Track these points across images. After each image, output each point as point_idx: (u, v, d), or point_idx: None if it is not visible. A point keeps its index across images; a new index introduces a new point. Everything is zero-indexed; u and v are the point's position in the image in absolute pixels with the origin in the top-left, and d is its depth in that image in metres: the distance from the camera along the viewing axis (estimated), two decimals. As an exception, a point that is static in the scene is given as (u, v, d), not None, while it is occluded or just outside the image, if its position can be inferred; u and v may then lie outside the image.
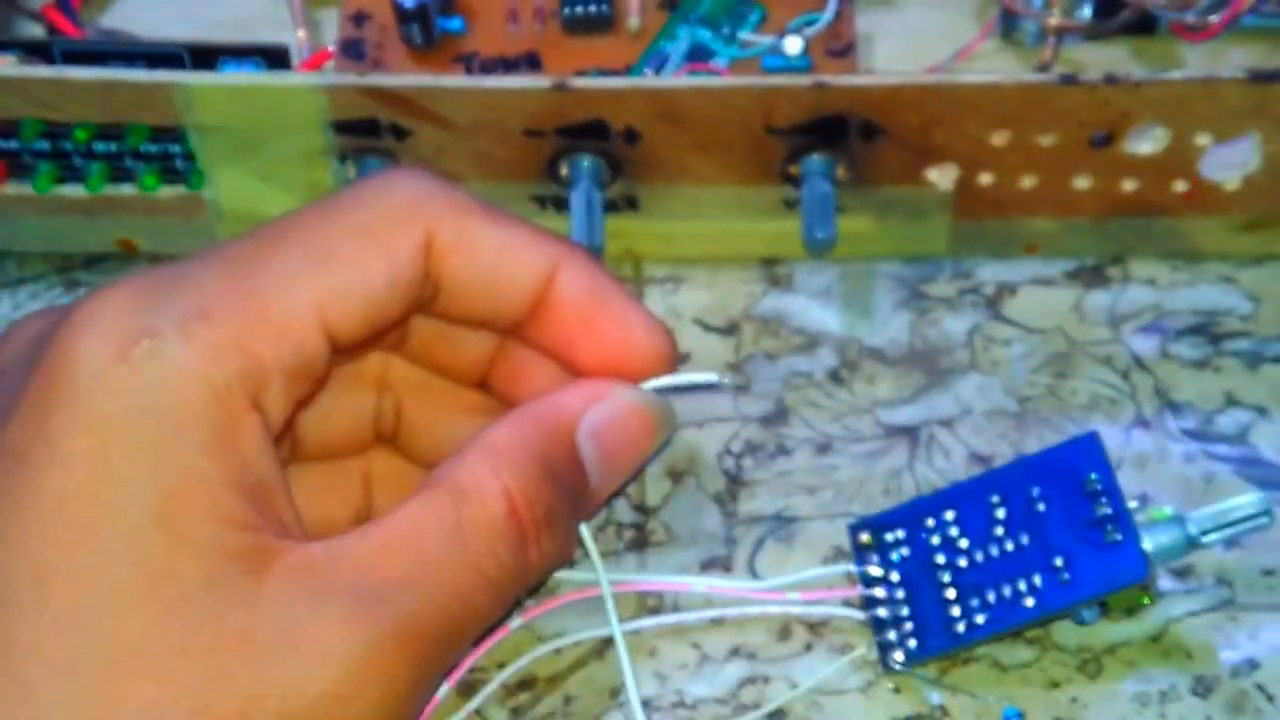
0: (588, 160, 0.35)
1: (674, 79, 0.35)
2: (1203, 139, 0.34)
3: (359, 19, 0.39)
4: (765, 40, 0.38)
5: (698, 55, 0.38)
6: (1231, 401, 0.35)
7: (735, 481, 0.34)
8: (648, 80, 0.34)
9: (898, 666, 0.31)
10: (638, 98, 0.34)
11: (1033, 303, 0.36)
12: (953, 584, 0.31)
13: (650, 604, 0.32)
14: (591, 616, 0.32)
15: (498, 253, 0.28)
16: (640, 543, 0.33)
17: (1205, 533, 0.30)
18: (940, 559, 0.31)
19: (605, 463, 0.29)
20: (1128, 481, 0.31)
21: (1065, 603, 0.30)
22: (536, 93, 0.34)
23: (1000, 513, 0.31)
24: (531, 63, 0.38)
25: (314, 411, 0.29)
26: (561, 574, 0.32)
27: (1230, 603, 0.32)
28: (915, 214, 0.36)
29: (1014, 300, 0.37)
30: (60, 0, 0.39)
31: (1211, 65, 0.35)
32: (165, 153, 0.35)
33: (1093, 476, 0.31)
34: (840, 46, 0.38)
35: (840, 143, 0.34)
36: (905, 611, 0.31)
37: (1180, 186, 0.35)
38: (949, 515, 0.31)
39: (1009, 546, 0.31)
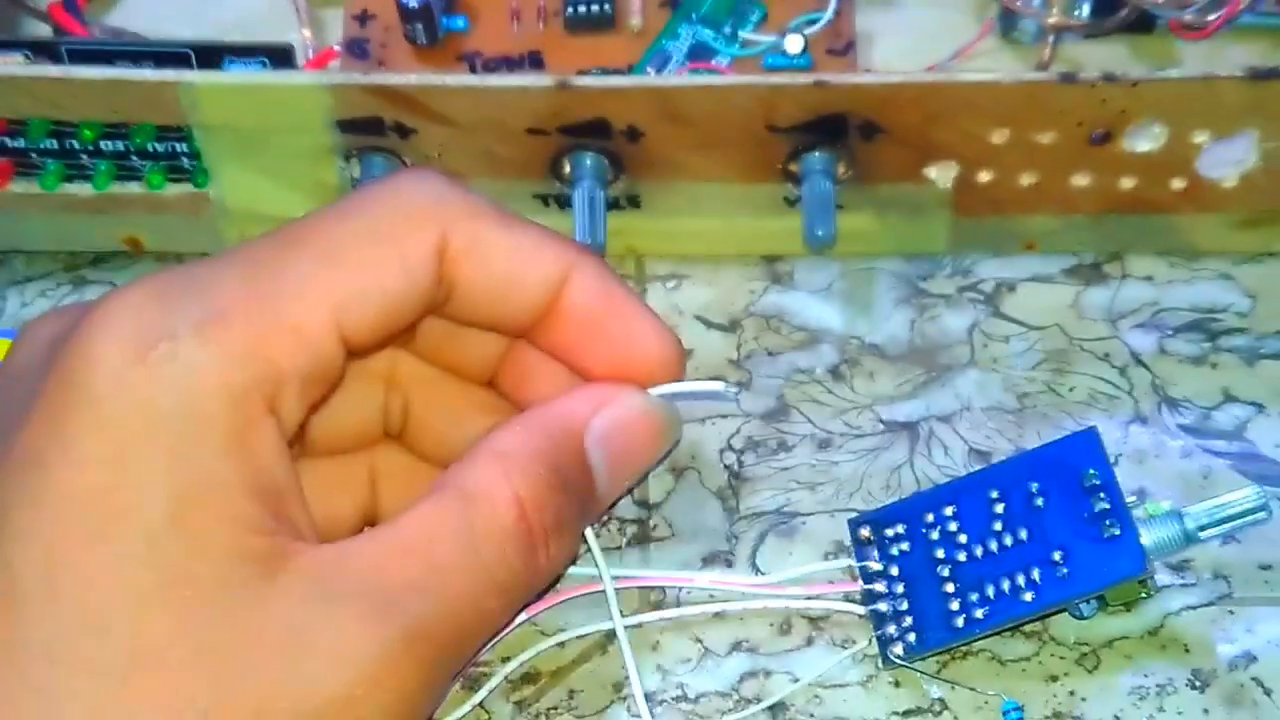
0: (590, 158, 0.35)
1: (676, 77, 0.35)
2: (1200, 137, 0.34)
3: (363, 18, 0.39)
4: (766, 39, 0.38)
5: (699, 54, 0.39)
6: (1229, 397, 0.35)
7: (737, 477, 0.34)
8: (650, 79, 0.34)
9: (897, 660, 0.31)
10: (640, 96, 0.34)
11: (1031, 300, 0.37)
12: (952, 578, 0.31)
13: (653, 599, 0.33)
14: (595, 611, 0.32)
15: (511, 257, 0.28)
16: (643, 538, 0.33)
17: (1203, 528, 0.30)
18: (940, 553, 0.31)
19: (612, 467, 0.29)
20: (1126, 477, 0.32)
21: (1064, 597, 0.30)
22: (539, 91, 0.34)
23: (999, 508, 0.31)
24: (534, 62, 0.38)
25: (322, 408, 0.29)
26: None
27: (1227, 597, 0.32)
28: (915, 211, 0.36)
29: (1013, 297, 0.37)
30: (66, 0, 0.39)
31: (1209, 63, 0.35)
32: (171, 151, 0.36)
33: (1091, 471, 0.31)
34: (840, 45, 0.38)
35: (841, 141, 0.35)
36: (905, 606, 0.31)
37: (1178, 184, 0.36)
38: (948, 510, 0.32)
39: (1008, 541, 0.31)
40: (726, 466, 0.34)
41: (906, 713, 0.31)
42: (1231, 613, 0.32)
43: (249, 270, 0.26)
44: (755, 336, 0.36)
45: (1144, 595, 0.31)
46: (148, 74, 0.34)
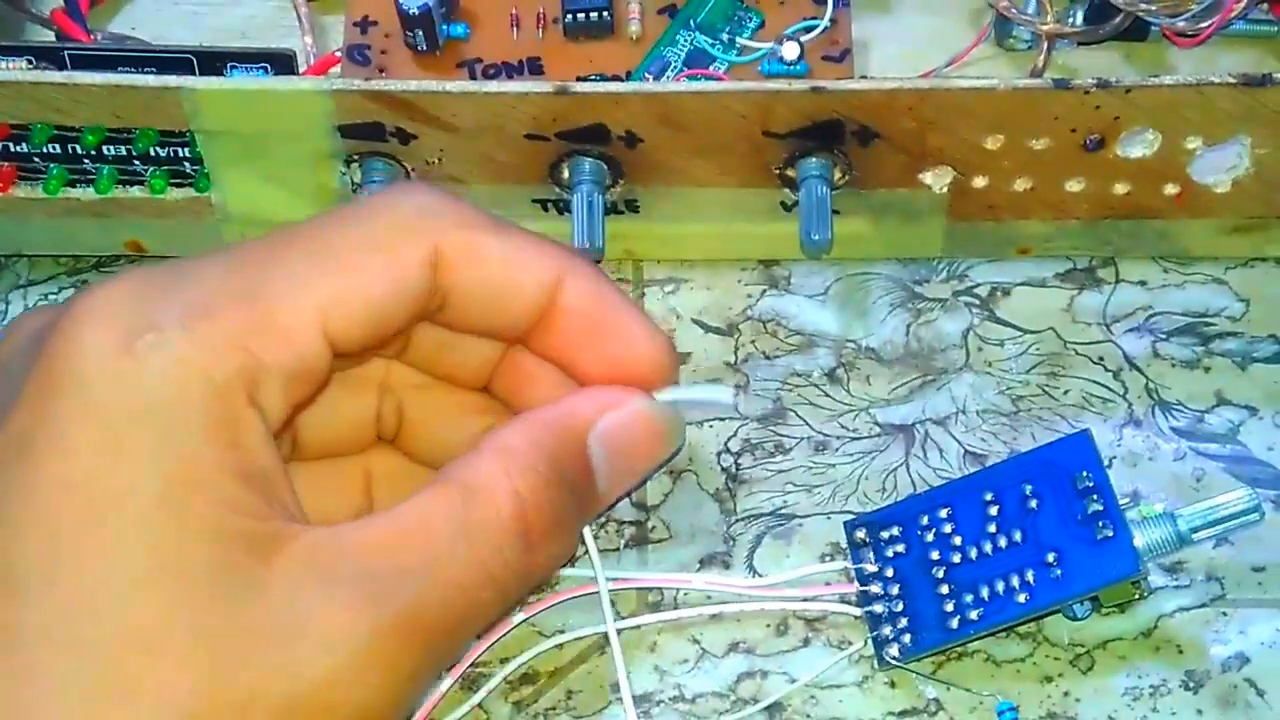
0: (589, 163, 0.35)
1: (673, 84, 0.35)
2: (1193, 143, 0.35)
3: (364, 25, 0.39)
4: (763, 46, 0.39)
5: (697, 61, 0.39)
6: (1222, 401, 0.35)
7: (734, 479, 0.34)
8: (648, 85, 0.35)
9: (893, 661, 0.31)
10: (638, 102, 0.34)
11: (1026, 303, 0.37)
12: (947, 580, 0.31)
13: (651, 600, 0.33)
14: (592, 612, 0.32)
15: (504, 265, 0.28)
16: (640, 540, 0.34)
17: (1195, 529, 0.30)
18: (935, 555, 0.31)
19: (614, 469, 0.30)
20: (1119, 480, 0.32)
21: (1058, 598, 0.30)
22: (538, 97, 0.34)
23: (994, 510, 0.31)
24: (534, 68, 0.39)
25: (315, 411, 0.29)
26: (564, 570, 0.32)
27: (1221, 598, 0.32)
28: (911, 216, 0.37)
29: (1007, 301, 0.37)
30: (69, 6, 0.39)
31: (1202, 70, 0.35)
32: (173, 156, 0.36)
33: (1084, 474, 0.31)
34: (837, 52, 0.39)
35: (837, 146, 0.35)
36: (900, 607, 0.31)
37: (1171, 189, 0.36)
38: (943, 513, 0.32)
39: (1002, 543, 0.31)
40: (724, 469, 0.35)
41: (902, 713, 0.31)
42: (1225, 614, 0.32)
43: (237, 267, 0.26)
44: (752, 340, 0.37)
45: (1138, 597, 0.32)
46: (150, 80, 0.34)
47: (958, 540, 0.31)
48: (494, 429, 0.29)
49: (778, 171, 0.36)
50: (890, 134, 0.35)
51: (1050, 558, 0.30)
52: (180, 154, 0.36)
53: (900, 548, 0.32)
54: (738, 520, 0.34)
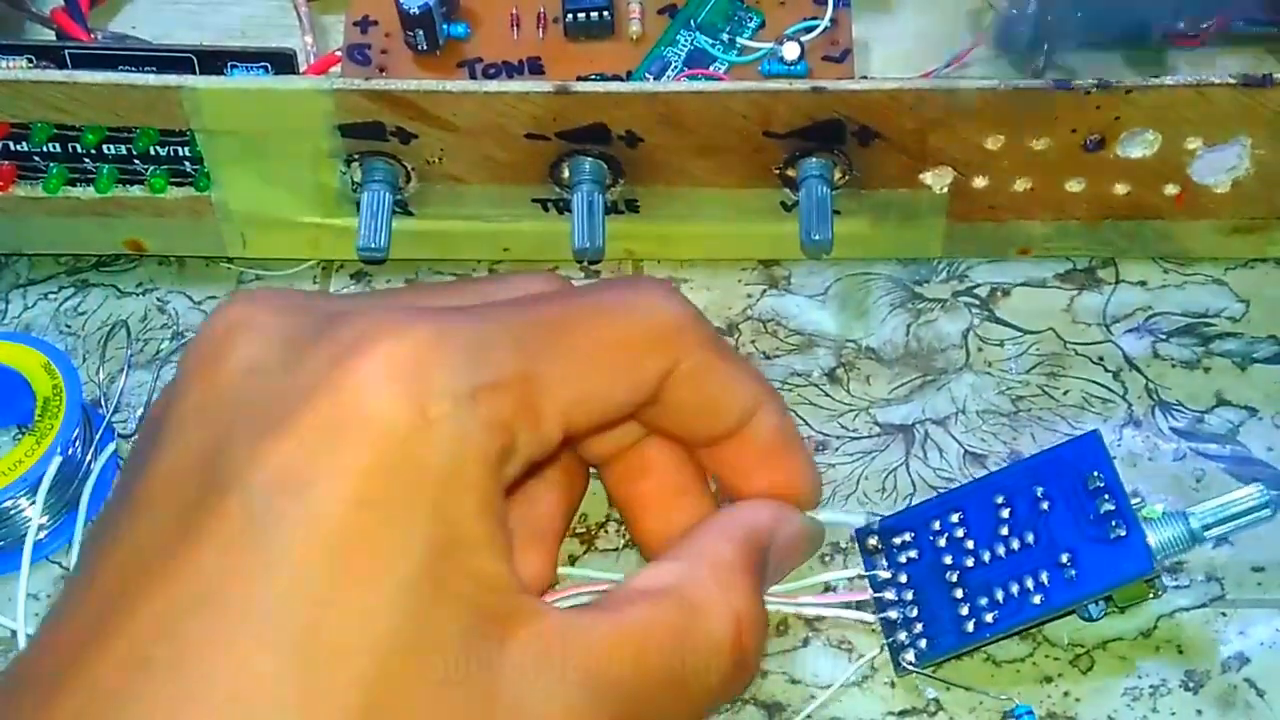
0: (589, 163, 0.35)
1: (674, 84, 0.35)
2: (1193, 143, 0.35)
3: (364, 24, 0.39)
4: (764, 46, 0.39)
5: (697, 61, 0.39)
6: (1222, 401, 0.35)
7: (734, 479, 0.34)
8: (648, 85, 0.35)
9: (910, 667, 0.31)
10: (638, 102, 0.34)
11: (1026, 304, 0.37)
12: (961, 584, 0.31)
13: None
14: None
15: (721, 387, 0.29)
16: (640, 539, 0.34)
17: (1208, 526, 0.30)
18: (948, 560, 0.31)
19: (772, 575, 0.31)
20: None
21: (1073, 598, 0.30)
22: (539, 97, 0.34)
23: (1005, 513, 0.31)
24: (534, 68, 0.39)
25: None
26: (565, 570, 0.32)
27: (1221, 599, 0.32)
28: (911, 217, 0.37)
29: (1007, 301, 0.37)
30: (70, 5, 0.39)
31: (1202, 71, 0.35)
32: (174, 155, 0.36)
33: (1095, 474, 0.31)
34: (837, 52, 0.39)
35: (837, 146, 0.35)
36: (915, 613, 0.31)
37: (1171, 190, 0.36)
38: (955, 517, 0.32)
39: (1015, 545, 0.31)
40: (724, 469, 0.35)
41: (903, 713, 0.31)
42: (1225, 614, 0.32)
43: (519, 342, 0.26)
44: (752, 340, 0.37)
45: (1151, 596, 0.31)
46: (150, 79, 0.35)
47: (970, 544, 0.31)
48: (702, 533, 0.29)
49: (778, 171, 0.36)
50: (890, 134, 0.35)
51: (1064, 558, 0.30)
52: (180, 153, 0.36)
53: (913, 553, 0.32)
54: (738, 520, 0.34)
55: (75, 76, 0.35)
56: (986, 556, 0.31)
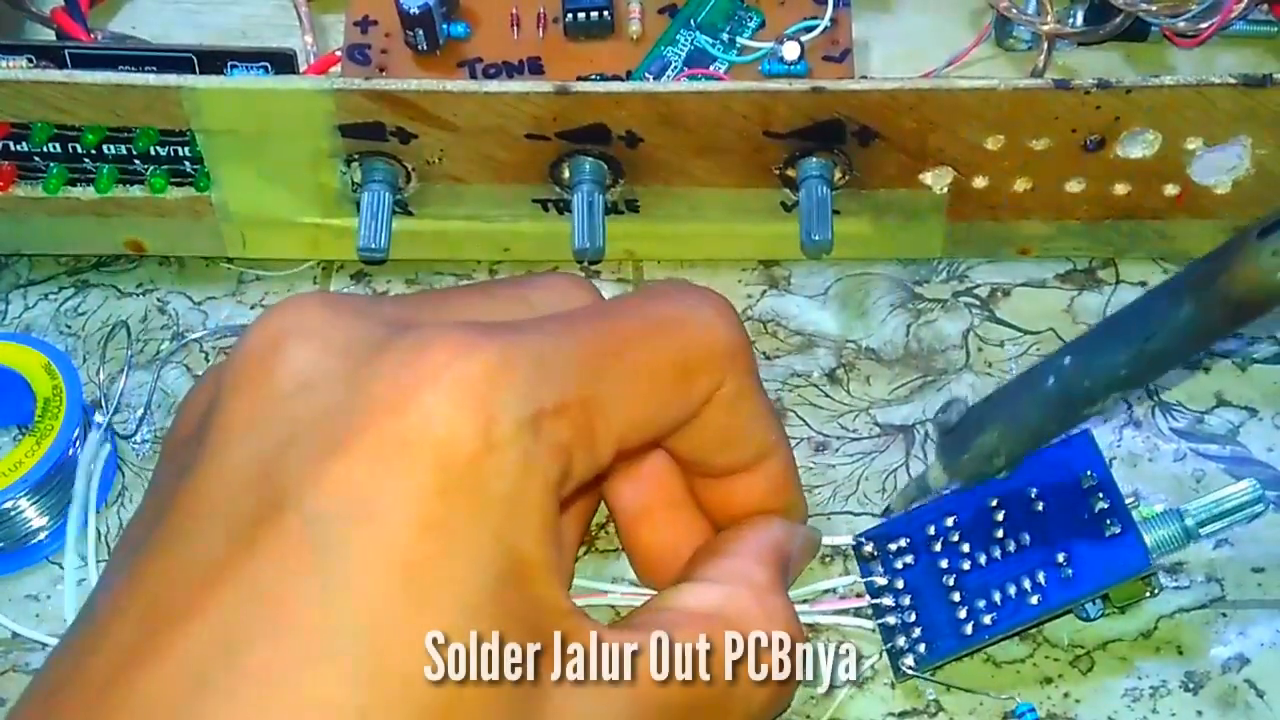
0: (589, 163, 0.35)
1: (674, 84, 0.35)
2: (1193, 143, 0.35)
3: (364, 24, 0.39)
4: (764, 46, 0.39)
5: (697, 60, 0.39)
6: (1221, 402, 0.35)
7: (734, 479, 0.34)
8: (648, 85, 0.35)
9: (910, 672, 0.31)
10: (638, 102, 0.34)
11: (1026, 304, 0.37)
12: (958, 587, 0.31)
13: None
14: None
15: (750, 418, 0.29)
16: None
17: (1202, 523, 0.30)
18: (944, 564, 0.31)
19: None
20: (1119, 481, 0.32)
21: (1070, 597, 0.30)
22: (539, 97, 0.34)
23: (1000, 515, 0.31)
24: (534, 68, 0.39)
25: None
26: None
27: (1221, 599, 0.32)
28: (911, 217, 0.37)
29: (1007, 302, 0.37)
30: (70, 5, 0.39)
31: (1202, 71, 0.35)
32: (173, 155, 0.36)
33: (1088, 473, 0.31)
34: (837, 52, 0.39)
35: (837, 146, 0.35)
36: (913, 618, 0.31)
37: (1171, 190, 0.36)
38: (949, 521, 0.32)
39: (1011, 547, 0.31)
40: (724, 469, 0.35)
41: (903, 714, 0.31)
42: (1224, 615, 0.32)
43: (580, 362, 0.26)
44: (753, 340, 0.36)
45: (1148, 594, 0.31)
46: (150, 79, 0.34)
47: (966, 548, 0.31)
48: (736, 554, 0.29)
49: (778, 171, 0.36)
50: (890, 134, 0.35)
51: (1060, 558, 0.30)
52: (180, 153, 0.36)
53: (909, 559, 0.32)
54: (738, 520, 0.34)
55: (75, 76, 0.35)
56: (983, 559, 0.31)
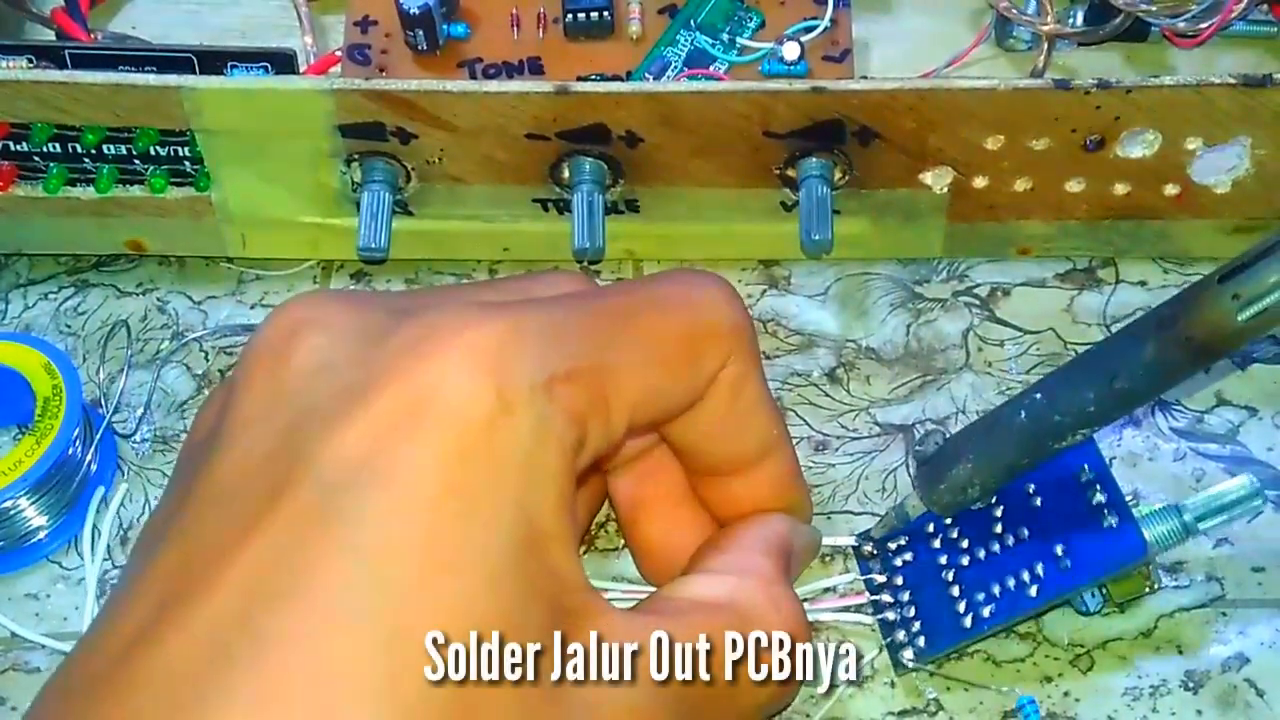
0: (589, 163, 0.35)
1: (674, 84, 0.35)
2: (1193, 143, 0.35)
3: (364, 24, 0.39)
4: (764, 46, 0.39)
5: (697, 61, 0.39)
6: (1221, 401, 0.35)
7: (734, 479, 0.34)
8: (648, 85, 0.35)
9: (909, 665, 0.31)
10: (638, 102, 0.34)
11: (1026, 304, 0.37)
12: (957, 582, 0.31)
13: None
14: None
15: (752, 405, 0.29)
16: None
17: (1200, 518, 0.30)
18: (943, 559, 0.31)
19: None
20: (1119, 480, 0.31)
21: (1068, 587, 0.30)
22: (539, 97, 0.34)
23: (998, 510, 0.31)
24: (534, 68, 0.39)
25: None
26: None
27: (1221, 599, 0.32)
28: (911, 217, 0.37)
29: (1007, 301, 0.37)
30: (70, 5, 0.39)
31: (1202, 71, 0.35)
32: (174, 155, 0.36)
33: (1085, 467, 0.31)
34: (837, 52, 0.39)
35: (837, 147, 0.35)
36: (912, 612, 0.31)
37: (1171, 190, 0.36)
38: (948, 519, 0.32)
39: (1009, 541, 0.31)
40: (724, 469, 0.35)
41: (903, 713, 0.31)
42: (1224, 614, 0.32)
43: (591, 331, 0.26)
44: (753, 340, 0.37)
45: (1148, 590, 0.31)
46: (150, 79, 0.34)
47: (964, 543, 0.31)
48: (742, 546, 0.29)
49: (778, 171, 0.36)
50: (890, 134, 0.35)
51: (1058, 550, 0.30)
52: (180, 153, 0.36)
53: (908, 556, 0.32)
54: (738, 520, 0.34)
55: (75, 76, 0.35)
56: (981, 554, 0.31)
